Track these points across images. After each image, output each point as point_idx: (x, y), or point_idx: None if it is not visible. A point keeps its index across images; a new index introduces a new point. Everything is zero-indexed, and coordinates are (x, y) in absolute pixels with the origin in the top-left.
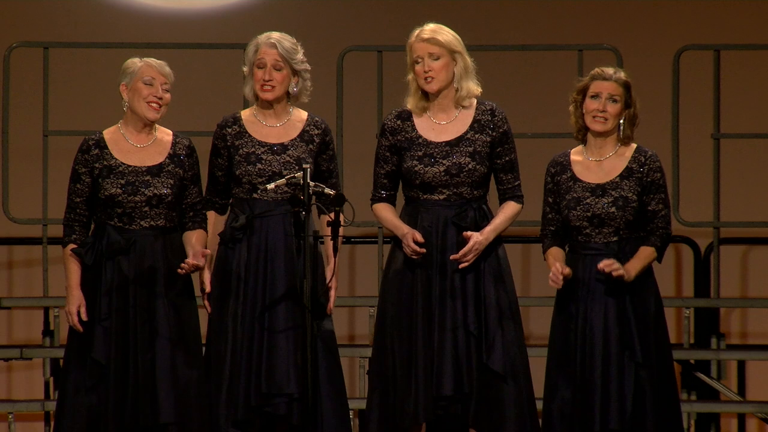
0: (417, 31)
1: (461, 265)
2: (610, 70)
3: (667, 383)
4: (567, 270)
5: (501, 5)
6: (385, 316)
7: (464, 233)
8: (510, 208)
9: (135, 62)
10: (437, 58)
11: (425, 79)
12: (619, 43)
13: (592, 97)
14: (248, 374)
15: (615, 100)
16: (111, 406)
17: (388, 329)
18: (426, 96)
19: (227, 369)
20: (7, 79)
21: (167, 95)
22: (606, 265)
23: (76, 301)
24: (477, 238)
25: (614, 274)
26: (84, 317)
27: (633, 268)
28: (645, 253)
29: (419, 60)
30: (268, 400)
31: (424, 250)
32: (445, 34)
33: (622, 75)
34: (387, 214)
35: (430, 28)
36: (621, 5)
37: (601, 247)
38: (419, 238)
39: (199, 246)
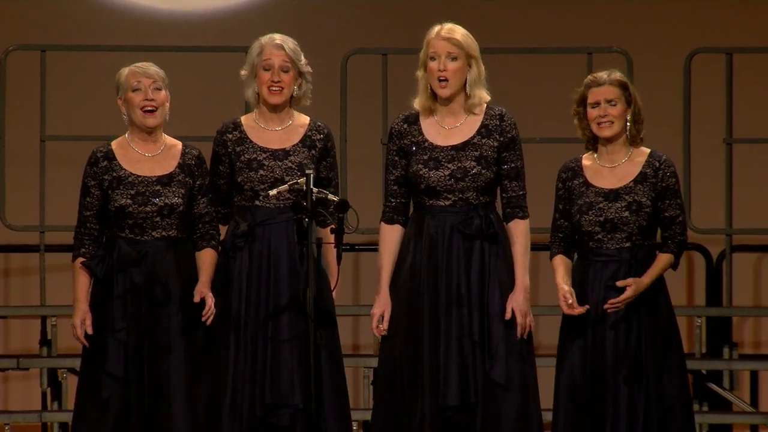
0: (437, 28)
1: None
2: (603, 75)
3: (680, 394)
4: (576, 306)
5: (509, 7)
6: (391, 326)
7: (508, 315)
8: (522, 235)
9: (123, 72)
10: (454, 59)
11: (439, 79)
12: (629, 46)
13: (592, 106)
14: (252, 385)
15: (614, 103)
16: (126, 419)
17: (394, 338)
18: (434, 96)
19: (230, 379)
20: (3, 83)
21: (160, 94)
22: (619, 300)
23: (81, 314)
24: (518, 306)
25: (627, 298)
26: (89, 331)
27: (647, 275)
28: (662, 261)
29: (435, 57)
30: (272, 411)
31: (384, 332)
32: (466, 36)
33: (616, 76)
34: (384, 247)
35: (451, 27)
36: (631, 7)
37: (613, 253)
38: (386, 321)
39: (206, 276)
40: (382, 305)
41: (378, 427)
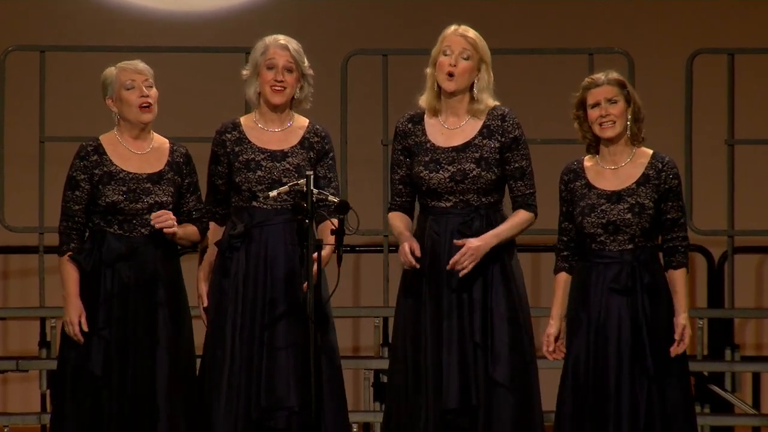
0: (455, 26)
1: (461, 273)
2: (600, 76)
3: (682, 396)
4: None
5: (509, 8)
6: (397, 328)
7: (458, 241)
8: (519, 216)
9: (111, 72)
10: (467, 58)
11: (448, 73)
12: (630, 47)
13: (592, 107)
14: (248, 387)
15: (615, 102)
16: (110, 415)
17: (400, 341)
18: (439, 96)
19: (225, 381)
20: (3, 84)
21: (153, 91)
22: (676, 349)
23: (77, 310)
24: (471, 244)
25: (686, 339)
26: (85, 327)
27: (681, 305)
28: (681, 279)
29: (448, 51)
30: (268, 413)
31: (417, 265)
32: (482, 40)
33: (613, 75)
34: (396, 222)
35: (468, 28)
36: (633, 8)
37: (615, 255)
38: (416, 249)
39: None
40: (408, 240)
41: (388, 429)
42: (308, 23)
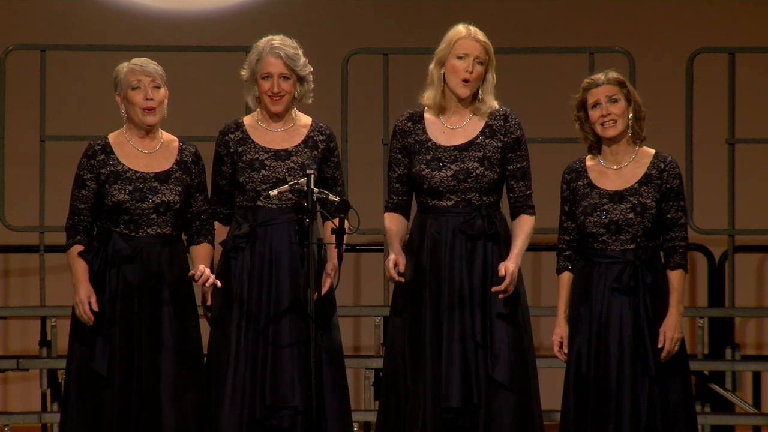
0: (465, 29)
1: (501, 295)
2: (599, 75)
3: (683, 395)
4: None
5: (511, 7)
6: (395, 326)
7: (498, 271)
8: (526, 224)
9: (121, 69)
10: (481, 63)
11: (464, 80)
12: (631, 46)
13: (593, 107)
14: (252, 386)
15: (615, 100)
16: (114, 415)
17: (398, 340)
18: (445, 94)
19: (230, 380)
20: (3, 83)
21: (159, 93)
22: (667, 353)
23: (87, 291)
24: (509, 269)
25: (667, 345)
26: (95, 308)
27: (675, 306)
28: (679, 280)
29: (463, 56)
30: (272, 413)
31: (401, 279)
32: (489, 42)
33: (612, 74)
34: (390, 225)
35: (476, 29)
36: (633, 7)
37: (617, 255)
38: (401, 266)
39: (203, 264)
40: (397, 253)
41: (383, 428)
42: (309, 22)
